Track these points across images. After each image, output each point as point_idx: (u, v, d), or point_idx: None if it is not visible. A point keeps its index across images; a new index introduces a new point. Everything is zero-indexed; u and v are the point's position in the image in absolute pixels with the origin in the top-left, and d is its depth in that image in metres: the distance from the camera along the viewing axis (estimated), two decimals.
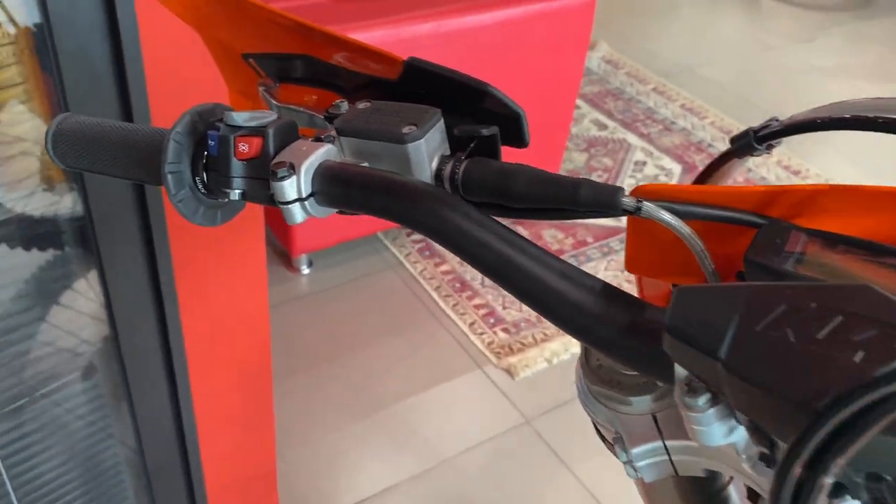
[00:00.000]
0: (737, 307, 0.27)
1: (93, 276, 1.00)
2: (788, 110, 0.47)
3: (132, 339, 1.02)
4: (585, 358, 0.40)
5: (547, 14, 1.97)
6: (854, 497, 0.28)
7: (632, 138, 2.69)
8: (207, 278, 1.04)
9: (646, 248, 0.39)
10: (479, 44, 1.87)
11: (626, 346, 0.31)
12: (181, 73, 0.82)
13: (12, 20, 0.77)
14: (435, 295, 1.98)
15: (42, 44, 0.77)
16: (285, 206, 0.37)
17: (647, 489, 0.48)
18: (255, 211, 1.04)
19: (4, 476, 1.12)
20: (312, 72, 0.51)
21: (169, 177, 0.39)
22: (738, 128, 2.45)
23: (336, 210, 0.39)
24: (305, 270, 2.02)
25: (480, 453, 1.64)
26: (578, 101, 2.89)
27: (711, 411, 0.30)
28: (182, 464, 1.21)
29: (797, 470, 0.25)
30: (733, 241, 0.37)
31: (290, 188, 0.37)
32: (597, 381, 0.38)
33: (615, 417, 0.38)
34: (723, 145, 2.65)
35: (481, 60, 1.90)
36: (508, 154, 0.41)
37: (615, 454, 0.39)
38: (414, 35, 1.77)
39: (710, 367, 0.28)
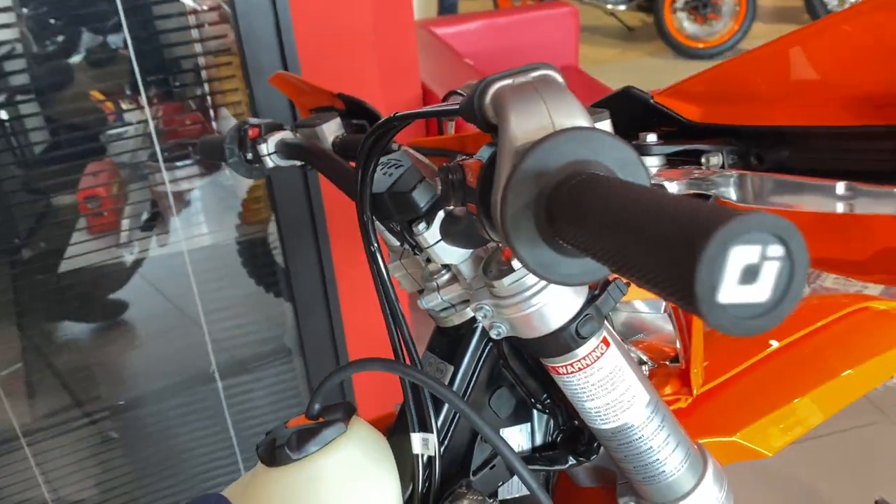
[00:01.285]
0: None
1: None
2: None
3: (309, 325, 1.49)
4: None
5: None
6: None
7: None
8: (361, 279, 1.49)
9: None
10: None
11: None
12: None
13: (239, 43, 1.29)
14: None
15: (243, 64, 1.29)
16: (264, 157, 0.80)
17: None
18: None
19: (231, 429, 1.63)
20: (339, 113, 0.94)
21: (226, 150, 0.83)
22: None
23: (294, 163, 0.81)
24: None
25: None
26: None
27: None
28: None
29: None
30: None
31: (263, 148, 0.79)
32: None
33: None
34: None
35: None
36: None
37: None
38: None
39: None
